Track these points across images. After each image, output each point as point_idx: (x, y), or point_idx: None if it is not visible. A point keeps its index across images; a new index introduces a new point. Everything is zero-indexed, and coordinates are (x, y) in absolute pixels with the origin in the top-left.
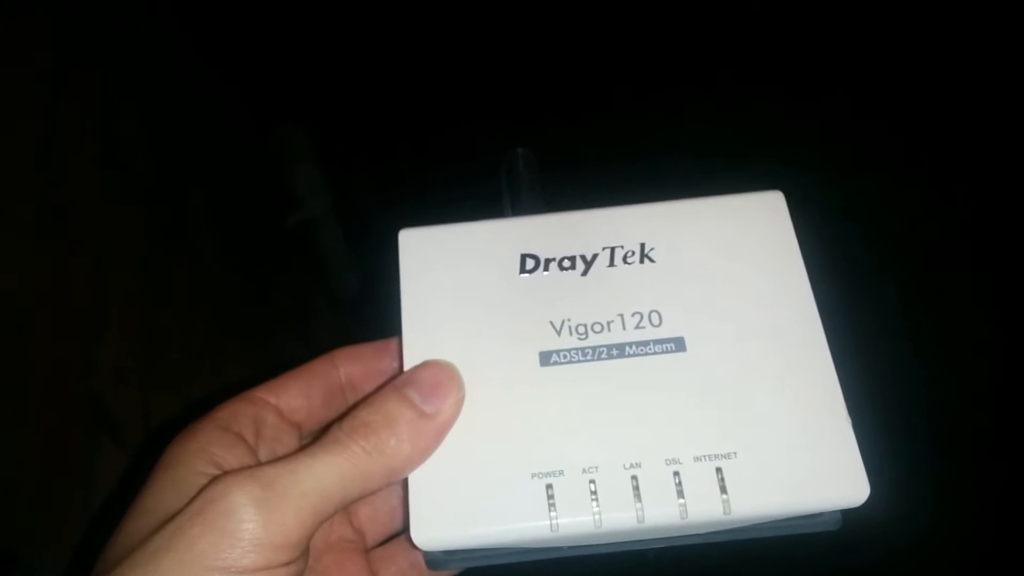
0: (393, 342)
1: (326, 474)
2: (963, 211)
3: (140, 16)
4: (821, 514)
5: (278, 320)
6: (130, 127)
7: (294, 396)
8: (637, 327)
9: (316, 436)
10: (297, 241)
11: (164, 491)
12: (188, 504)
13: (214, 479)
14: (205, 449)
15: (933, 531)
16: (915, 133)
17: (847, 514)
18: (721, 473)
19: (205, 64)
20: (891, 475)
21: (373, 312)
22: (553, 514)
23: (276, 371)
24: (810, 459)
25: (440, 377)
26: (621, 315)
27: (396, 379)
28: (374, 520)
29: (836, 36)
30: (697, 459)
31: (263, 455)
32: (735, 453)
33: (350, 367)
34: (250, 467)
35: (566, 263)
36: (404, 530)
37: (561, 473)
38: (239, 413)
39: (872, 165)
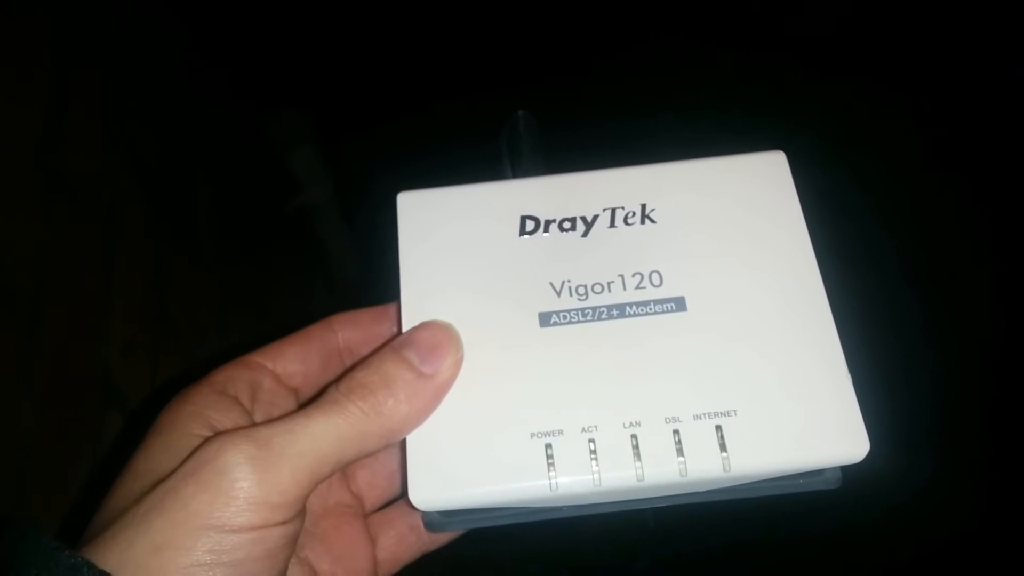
0: (392, 307)
1: (323, 434)
2: (967, 176)
3: (138, 6)
4: (822, 472)
5: (278, 304)
6: (133, 112)
7: (291, 360)
8: (638, 287)
9: (313, 401)
10: (297, 226)
11: (157, 453)
12: (181, 464)
13: (208, 439)
14: (200, 412)
15: (931, 488)
16: (920, 103)
17: (847, 474)
18: (721, 431)
19: (204, 50)
20: (890, 432)
21: (372, 296)
22: (552, 473)
23: None
24: (809, 416)
25: (439, 338)
26: (621, 276)
27: (394, 340)
28: (372, 485)
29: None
30: (697, 417)
31: (259, 419)
32: (735, 411)
33: (348, 332)
34: (245, 427)
35: (566, 224)
36: (403, 494)
37: (560, 432)
38: (235, 377)
39: (874, 127)
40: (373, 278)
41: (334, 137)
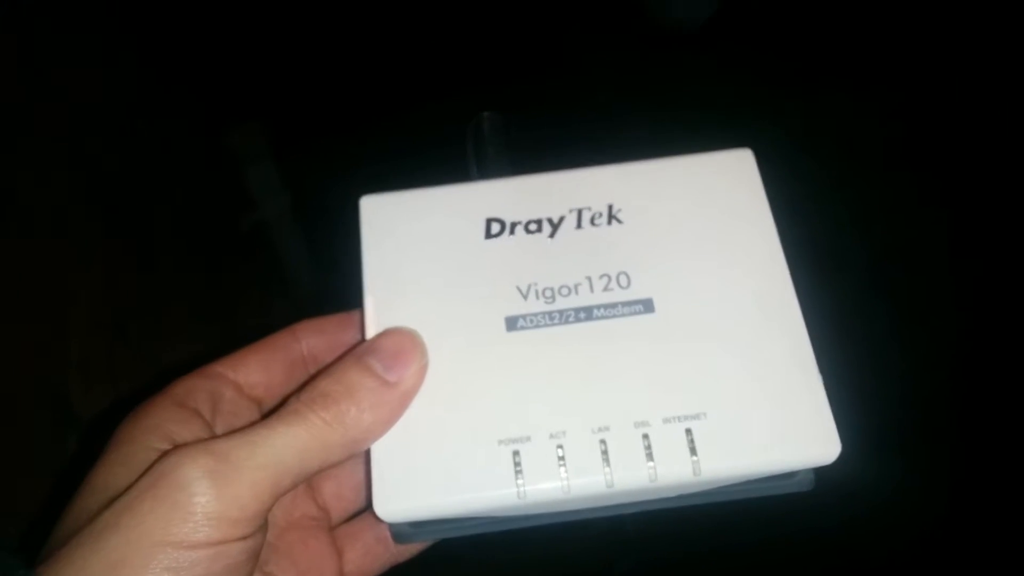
0: (356, 314)
1: (284, 446)
2: (935, 175)
3: (94, 21)
4: (794, 475)
5: (236, 320)
6: (89, 128)
7: (253, 370)
8: (605, 289)
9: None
10: (255, 240)
11: (115, 468)
12: (138, 479)
13: (165, 453)
14: (159, 425)
15: (904, 488)
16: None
17: (820, 476)
18: (691, 434)
19: (160, 65)
20: (861, 433)
21: (333, 310)
22: (520, 481)
23: None
24: (780, 418)
25: (402, 345)
26: (589, 278)
27: (357, 348)
28: (339, 496)
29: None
30: (666, 421)
31: (220, 431)
32: (705, 414)
33: (313, 340)
34: (204, 440)
35: (532, 226)
36: (369, 505)
37: (528, 439)
38: (195, 388)
39: (837, 123)
40: (334, 291)
41: (293, 148)
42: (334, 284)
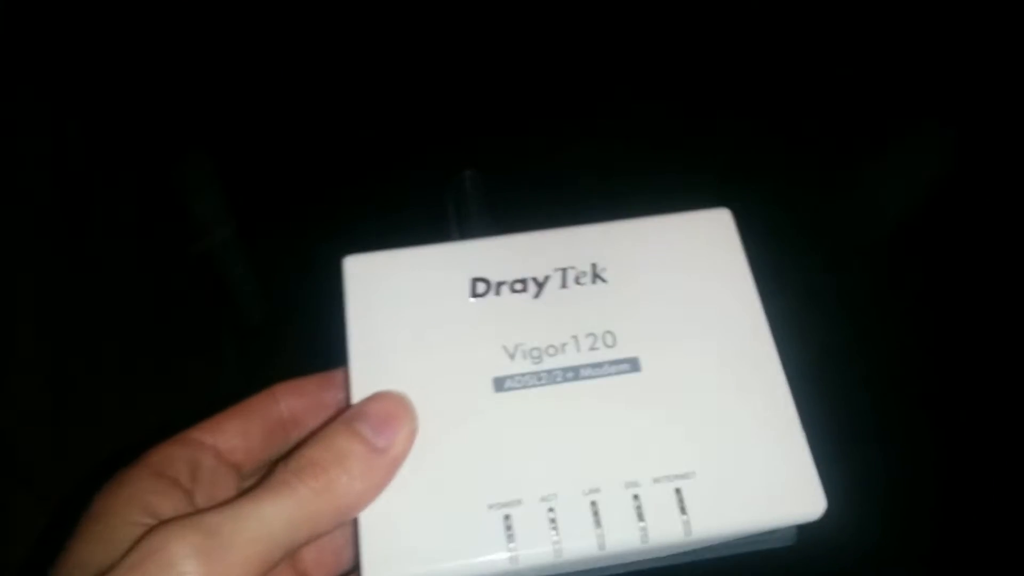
0: (337, 374)
1: (273, 518)
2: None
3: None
4: (775, 531)
5: (188, 350)
6: (29, 161)
7: (232, 435)
8: (591, 348)
9: (256, 476)
10: (202, 269)
11: (94, 544)
12: (123, 557)
13: (151, 529)
14: (137, 497)
15: (888, 539)
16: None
17: (802, 530)
18: (680, 494)
19: (102, 94)
20: (845, 488)
21: (283, 342)
22: (512, 545)
23: (192, 403)
24: (767, 476)
25: (392, 409)
26: (575, 337)
27: (345, 413)
28: (319, 563)
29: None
30: (656, 480)
31: (200, 500)
32: (693, 473)
33: (292, 401)
34: (190, 514)
35: (518, 286)
36: (352, 570)
37: (519, 502)
38: (173, 456)
39: (806, 175)
40: (283, 327)
41: (246, 182)
42: (281, 315)
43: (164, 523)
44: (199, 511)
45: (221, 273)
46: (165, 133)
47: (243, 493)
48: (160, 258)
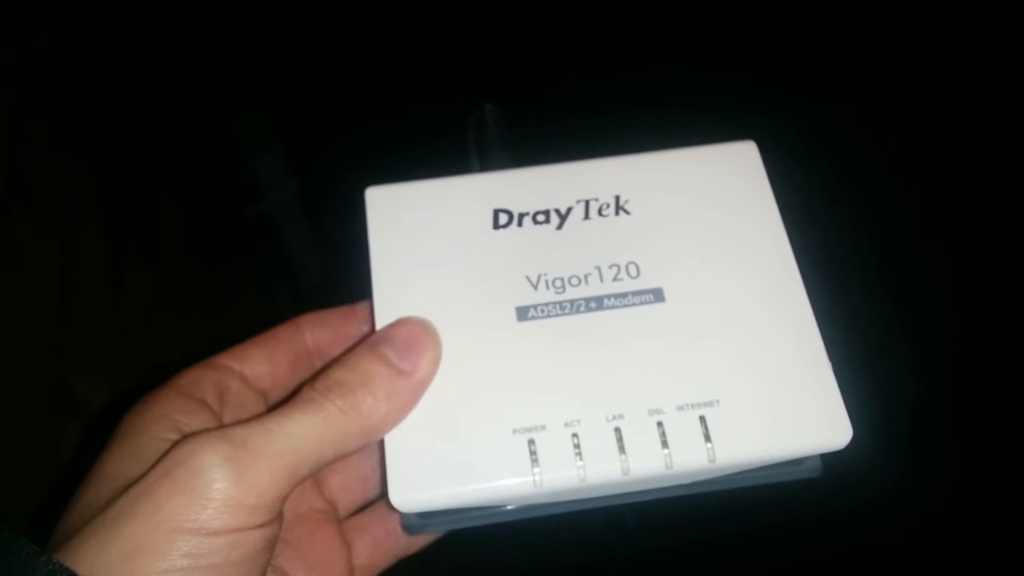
0: (361, 307)
1: (301, 434)
2: (941, 135)
3: (99, 12)
4: (801, 462)
5: (241, 312)
6: (95, 117)
7: (259, 362)
8: (615, 279)
9: (283, 402)
10: (260, 231)
11: (124, 458)
12: (153, 467)
13: (181, 440)
14: (167, 415)
15: (912, 477)
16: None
17: (828, 462)
18: (704, 421)
19: (166, 55)
20: (872, 419)
21: (338, 302)
22: (536, 469)
23: None
24: (792, 404)
25: (416, 334)
26: (598, 268)
27: (370, 337)
28: (346, 489)
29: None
30: (680, 408)
31: (228, 421)
32: (718, 401)
33: (317, 333)
34: (218, 427)
35: (540, 217)
36: (379, 497)
37: (543, 428)
38: (202, 379)
39: (839, 108)
40: (338, 285)
41: (297, 139)
42: (338, 275)
43: (193, 434)
44: (229, 425)
45: (278, 235)
46: (224, 94)
47: (271, 410)
48: (220, 220)
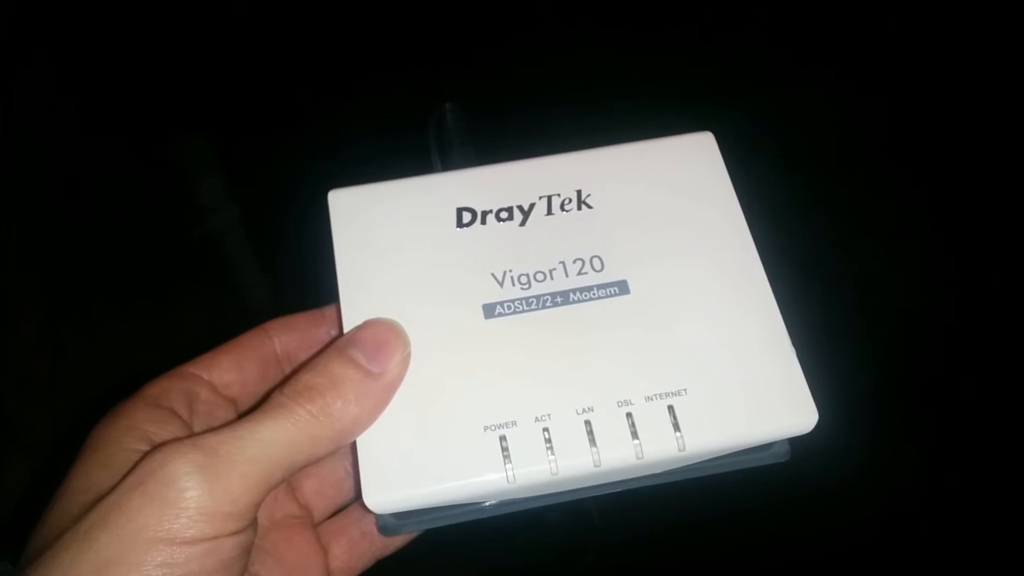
0: (328, 310)
1: (272, 439)
2: (890, 124)
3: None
4: (770, 447)
5: (189, 334)
6: (31, 139)
7: (227, 370)
8: (580, 273)
9: (254, 409)
10: (205, 253)
11: (94, 470)
12: (124, 478)
13: (152, 449)
14: (136, 426)
15: (878, 452)
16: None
17: (795, 446)
18: (673, 411)
19: (99, 82)
20: (835, 402)
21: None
22: (509, 465)
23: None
24: (758, 390)
25: (384, 335)
26: (563, 262)
27: (338, 340)
28: (320, 493)
29: None
30: (649, 399)
31: (198, 430)
32: (685, 390)
33: (285, 337)
34: (189, 436)
35: (503, 214)
36: (354, 500)
37: (514, 424)
38: (170, 389)
39: (793, 98)
40: (293, 300)
41: (242, 154)
42: (291, 289)
43: (164, 444)
44: (200, 433)
45: (224, 257)
46: (162, 119)
47: (241, 417)
48: (161, 243)
